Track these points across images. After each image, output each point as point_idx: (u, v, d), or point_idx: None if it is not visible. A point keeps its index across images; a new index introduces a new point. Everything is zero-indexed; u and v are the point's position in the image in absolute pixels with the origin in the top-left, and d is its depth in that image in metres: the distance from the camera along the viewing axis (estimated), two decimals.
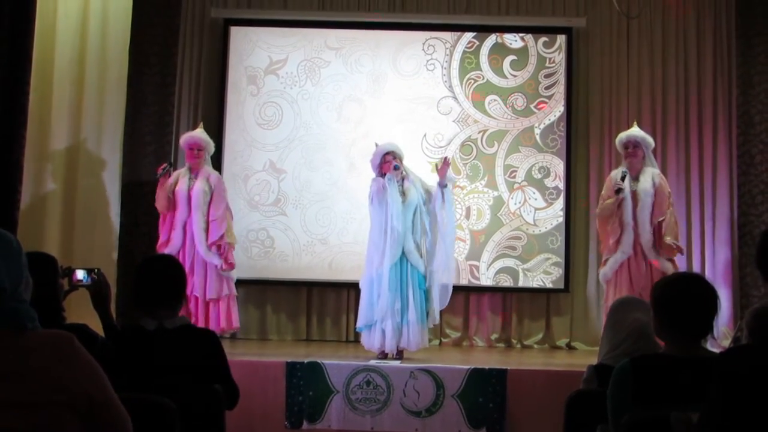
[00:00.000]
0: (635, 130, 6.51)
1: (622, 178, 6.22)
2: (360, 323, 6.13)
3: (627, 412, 2.52)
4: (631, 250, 6.24)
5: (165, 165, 6.73)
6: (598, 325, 7.15)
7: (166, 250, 6.43)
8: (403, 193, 6.09)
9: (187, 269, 5.60)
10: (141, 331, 3.17)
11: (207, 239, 6.57)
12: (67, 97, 6.68)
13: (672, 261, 6.25)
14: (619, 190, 6.20)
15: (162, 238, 6.63)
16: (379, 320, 5.98)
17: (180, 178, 6.66)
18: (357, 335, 6.67)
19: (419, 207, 6.12)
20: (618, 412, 2.57)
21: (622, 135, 6.52)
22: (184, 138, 6.82)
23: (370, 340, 6.06)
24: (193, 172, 6.69)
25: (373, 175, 6.25)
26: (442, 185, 6.12)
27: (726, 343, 5.63)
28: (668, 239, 6.14)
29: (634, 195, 6.24)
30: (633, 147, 6.34)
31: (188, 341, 3.17)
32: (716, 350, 2.74)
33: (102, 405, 1.94)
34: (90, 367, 1.95)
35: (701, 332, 2.63)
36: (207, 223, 6.60)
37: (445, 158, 6.33)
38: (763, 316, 2.71)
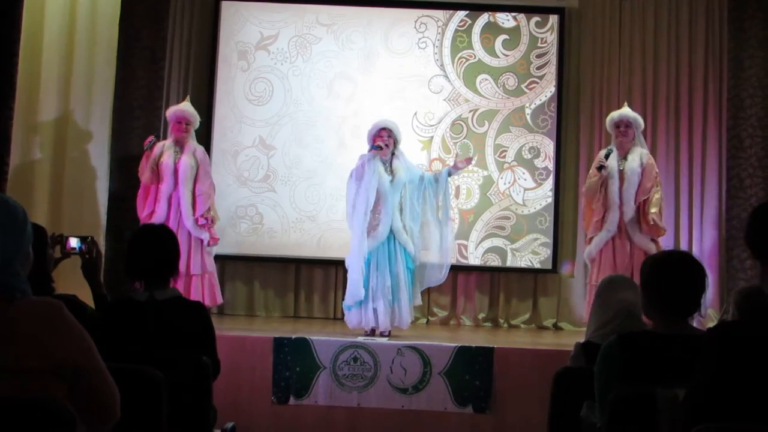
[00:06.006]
0: (628, 110, 6.52)
1: (606, 156, 6.25)
2: (347, 301, 6.11)
3: (614, 388, 2.53)
4: (615, 229, 6.26)
5: (151, 138, 6.66)
6: (585, 306, 7.17)
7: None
8: (391, 173, 6.10)
9: None
10: (131, 302, 3.17)
11: (194, 213, 6.55)
12: (56, 69, 6.63)
13: (655, 241, 6.28)
14: (601, 168, 6.22)
15: (146, 210, 6.57)
16: (371, 300, 5.99)
17: (165, 150, 6.60)
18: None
19: (407, 188, 6.13)
20: (605, 388, 2.58)
21: (614, 114, 6.53)
22: (172, 111, 6.75)
23: (360, 319, 6.05)
24: (179, 145, 6.64)
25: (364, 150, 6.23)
26: (451, 173, 6.31)
27: (711, 325, 5.66)
28: (653, 211, 6.16)
29: (621, 174, 6.26)
30: (625, 126, 6.36)
31: (178, 313, 3.17)
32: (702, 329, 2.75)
33: (88, 373, 1.93)
34: (78, 334, 1.94)
35: (689, 310, 2.65)
36: (194, 197, 6.57)
37: (469, 157, 6.55)
38: (751, 294, 2.73)
